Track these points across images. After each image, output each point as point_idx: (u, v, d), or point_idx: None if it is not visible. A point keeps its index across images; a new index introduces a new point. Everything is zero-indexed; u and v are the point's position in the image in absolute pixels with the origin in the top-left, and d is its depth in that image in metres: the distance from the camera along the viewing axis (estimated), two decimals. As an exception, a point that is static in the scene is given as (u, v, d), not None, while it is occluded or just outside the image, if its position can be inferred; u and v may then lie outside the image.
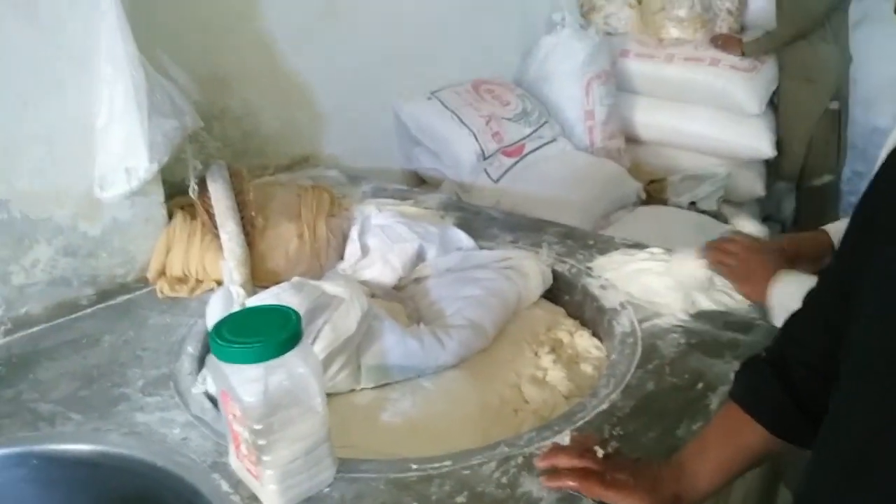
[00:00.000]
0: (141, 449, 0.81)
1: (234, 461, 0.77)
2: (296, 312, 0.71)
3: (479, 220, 1.46)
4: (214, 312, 1.01)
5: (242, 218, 1.24)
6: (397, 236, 1.25)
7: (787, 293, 0.92)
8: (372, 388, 0.98)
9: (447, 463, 0.77)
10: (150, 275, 1.18)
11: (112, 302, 1.13)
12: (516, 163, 2.10)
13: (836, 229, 1.09)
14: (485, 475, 0.75)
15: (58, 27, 1.00)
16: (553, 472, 0.73)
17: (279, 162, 1.74)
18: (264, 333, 0.68)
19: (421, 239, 1.25)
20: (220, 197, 1.22)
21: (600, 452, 0.75)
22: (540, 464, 0.75)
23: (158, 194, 1.19)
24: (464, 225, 1.38)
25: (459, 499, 0.72)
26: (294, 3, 1.72)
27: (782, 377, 0.68)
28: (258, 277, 1.17)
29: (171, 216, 1.23)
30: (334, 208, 1.38)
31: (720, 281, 1.12)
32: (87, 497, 0.82)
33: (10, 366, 0.97)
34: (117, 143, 1.03)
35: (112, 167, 1.04)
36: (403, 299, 1.17)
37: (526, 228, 1.42)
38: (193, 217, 1.24)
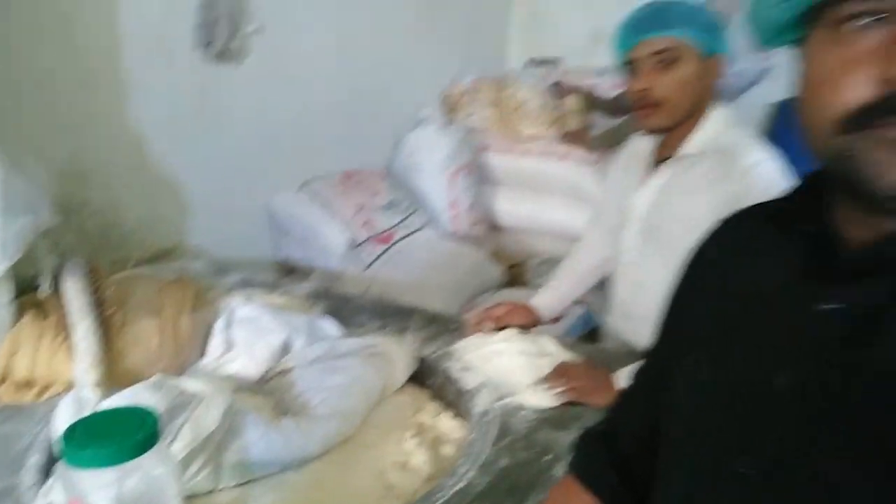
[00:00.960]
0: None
1: (81, 574, 0.73)
2: (153, 412, 0.72)
3: (347, 308, 1.51)
4: (63, 418, 0.98)
5: (100, 315, 1.21)
6: (263, 328, 1.27)
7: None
8: (233, 487, 0.97)
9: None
10: (-7, 379, 1.11)
11: (-56, 411, 1.05)
12: (386, 250, 2.19)
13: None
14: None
15: None
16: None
17: (142, 254, 1.70)
18: (119, 435, 0.68)
19: (288, 330, 1.28)
20: (74, 294, 1.19)
21: None
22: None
23: (4, 294, 1.13)
24: (333, 313, 1.43)
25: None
26: (163, 98, 1.75)
27: (613, 450, 0.73)
28: (116, 377, 1.14)
29: (18, 318, 1.17)
30: (199, 302, 1.37)
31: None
32: None
33: None
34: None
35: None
36: (269, 392, 1.18)
37: (393, 315, 1.49)
38: (45, 316, 1.19)
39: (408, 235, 2.26)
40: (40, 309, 1.19)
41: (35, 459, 0.96)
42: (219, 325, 1.28)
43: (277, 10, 2.06)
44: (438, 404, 1.26)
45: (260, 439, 0.97)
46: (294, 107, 2.19)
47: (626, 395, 0.78)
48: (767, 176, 1.18)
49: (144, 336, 1.23)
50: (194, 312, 1.33)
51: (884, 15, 0.44)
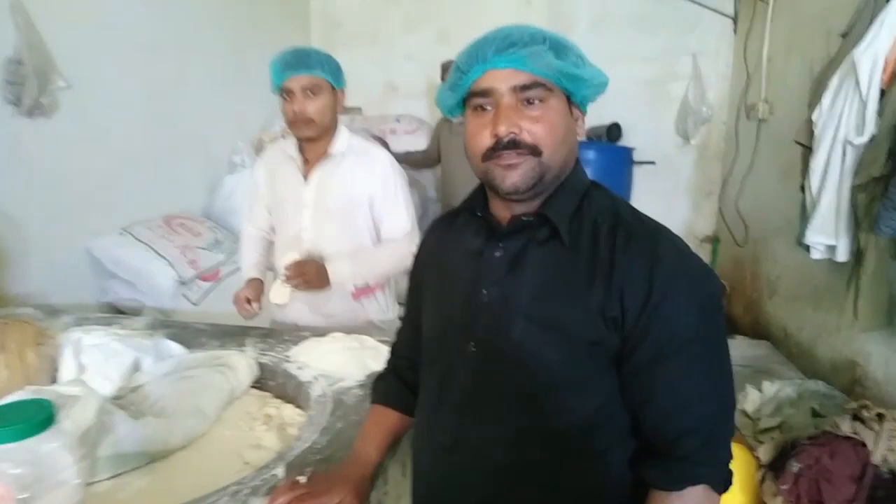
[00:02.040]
0: None
1: (-13, 548, 0.86)
2: (48, 401, 0.88)
3: (187, 332, 1.67)
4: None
5: (-57, 354, 1.26)
6: (113, 351, 1.40)
7: None
8: (108, 479, 1.11)
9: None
10: None
11: None
12: (214, 286, 2.33)
13: None
14: (221, 505, 0.98)
15: None
16: None
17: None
18: (24, 417, 0.84)
19: (136, 351, 1.43)
20: (-85, 337, 1.24)
21: (302, 479, 1.00)
22: None
23: None
24: (174, 338, 1.58)
25: (203, 524, 0.94)
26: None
27: (399, 376, 1.13)
28: (-34, 409, 1.21)
29: None
30: (40, 337, 1.46)
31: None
32: None
33: None
34: None
35: None
36: (127, 405, 1.32)
37: (231, 334, 1.68)
38: None
39: (235, 272, 2.42)
40: None
41: None
42: (67, 354, 1.38)
43: (85, 66, 2.16)
44: (281, 400, 1.47)
45: (129, 434, 1.13)
46: (108, 156, 2.28)
47: (400, 328, 1.17)
48: (391, 163, 1.78)
49: (-9, 371, 1.30)
50: (38, 346, 1.42)
51: (489, 105, 0.87)
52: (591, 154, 3.50)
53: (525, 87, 0.84)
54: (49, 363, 1.41)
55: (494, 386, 0.90)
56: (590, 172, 3.48)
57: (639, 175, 3.78)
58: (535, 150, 0.85)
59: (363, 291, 1.84)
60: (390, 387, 1.13)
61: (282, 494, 0.95)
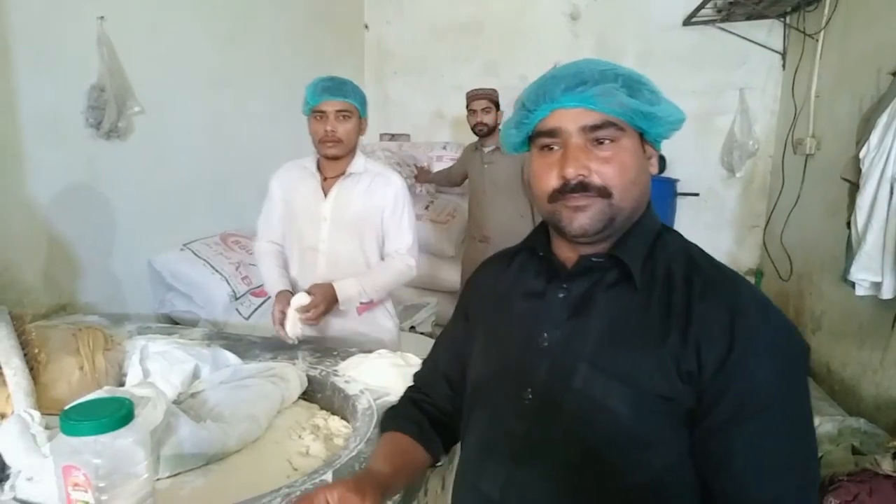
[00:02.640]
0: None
1: (66, 532, 0.95)
2: (128, 399, 0.97)
3: (241, 344, 1.77)
4: (8, 438, 1.16)
5: (26, 355, 1.38)
6: (175, 359, 1.50)
7: None
8: (168, 477, 1.20)
9: (244, 504, 1.06)
10: (-72, 414, 1.25)
11: None
12: (264, 302, 2.44)
13: None
14: (274, 505, 1.05)
15: None
16: None
17: (36, 311, 1.84)
18: (107, 413, 0.93)
19: (196, 360, 1.52)
20: (3, 337, 1.37)
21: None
22: None
23: (-59, 338, 1.29)
24: (229, 349, 1.68)
25: (258, 521, 1.01)
26: (56, 172, 1.94)
27: (416, 405, 1.08)
28: (43, 406, 1.32)
29: (-51, 359, 1.32)
30: (108, 343, 1.57)
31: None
32: None
33: None
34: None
35: None
36: (186, 409, 1.41)
37: (282, 347, 1.77)
38: (-27, 358, 1.34)
39: (284, 288, 2.52)
40: (-30, 351, 1.35)
41: (-11, 470, 1.13)
42: (134, 359, 1.49)
43: (157, 94, 2.32)
44: (328, 412, 1.55)
45: (190, 435, 1.22)
46: (173, 176, 2.43)
47: (421, 376, 1.13)
48: (402, 184, 1.94)
49: (66, 371, 1.42)
50: (106, 351, 1.53)
51: (556, 145, 0.85)
52: (634, 185, 3.53)
53: (595, 128, 0.81)
54: (116, 367, 1.53)
55: (552, 438, 0.83)
56: None
57: (682, 207, 3.78)
58: (604, 192, 0.81)
59: (367, 306, 1.97)
60: (404, 413, 1.07)
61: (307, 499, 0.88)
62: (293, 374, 1.55)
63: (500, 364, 0.92)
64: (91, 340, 1.54)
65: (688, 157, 3.71)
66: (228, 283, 2.34)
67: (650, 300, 0.82)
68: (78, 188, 2.03)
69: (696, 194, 3.77)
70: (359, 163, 1.92)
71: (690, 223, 3.74)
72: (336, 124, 1.82)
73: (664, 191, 3.62)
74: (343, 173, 1.90)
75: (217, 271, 2.35)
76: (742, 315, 0.77)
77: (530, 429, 0.85)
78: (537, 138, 0.86)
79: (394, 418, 1.07)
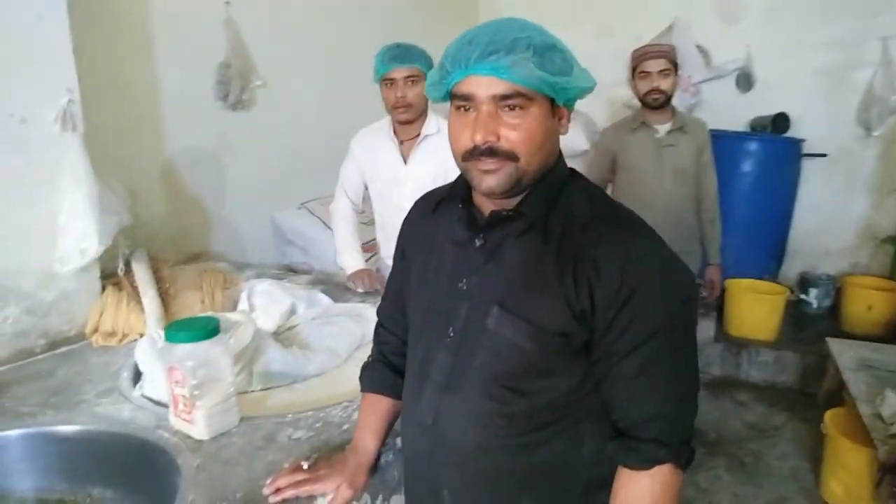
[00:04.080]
0: (104, 423, 1.23)
1: (172, 418, 1.20)
2: (216, 318, 1.20)
3: (337, 289, 2.00)
4: (142, 352, 1.45)
5: (159, 289, 1.69)
6: (276, 297, 1.76)
7: None
8: (260, 390, 1.44)
9: (309, 412, 1.26)
10: (88, 331, 1.59)
11: (58, 350, 1.53)
12: (371, 257, 2.67)
13: None
14: (333, 413, 1.25)
15: (36, 156, 1.47)
16: (275, 491, 1.02)
17: (178, 257, 2.19)
18: (198, 327, 1.16)
19: (293, 298, 1.77)
20: (142, 273, 1.68)
21: (305, 464, 1.07)
22: (265, 491, 1.01)
23: (96, 272, 1.63)
24: (326, 293, 1.91)
25: (317, 424, 1.22)
26: (191, 139, 2.27)
27: (386, 363, 1.16)
28: (171, 330, 1.62)
29: (103, 289, 1.66)
30: (227, 283, 1.86)
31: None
32: (71, 461, 1.21)
33: (-11, 389, 1.35)
34: (75, 232, 1.48)
35: (70, 249, 1.49)
36: (281, 339, 1.66)
37: (370, 294, 1.98)
38: (120, 289, 1.67)
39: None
40: (118, 283, 1.68)
41: (126, 374, 1.43)
42: (243, 296, 1.76)
43: (277, 69, 2.60)
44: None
45: (277, 357, 1.45)
46: (291, 142, 2.71)
47: (385, 295, 1.20)
48: None
49: (190, 303, 1.71)
50: (224, 289, 1.82)
51: (470, 107, 0.87)
52: (753, 146, 3.36)
53: (505, 97, 0.85)
54: (231, 302, 1.81)
55: (471, 370, 0.94)
56: (751, 165, 3.46)
57: (809, 169, 3.54)
58: (512, 156, 0.86)
59: None
60: (379, 373, 1.17)
61: (283, 476, 1.04)
62: (374, 315, 1.75)
63: (430, 303, 1.01)
64: (212, 280, 1.84)
65: (816, 115, 3.46)
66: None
67: (550, 247, 0.89)
68: (209, 153, 2.35)
69: (824, 155, 3.50)
70: (432, 124, 2.03)
71: (819, 187, 3.50)
72: (405, 89, 1.93)
73: (787, 151, 3.42)
74: (418, 135, 2.03)
75: (329, 228, 2.61)
76: (631, 258, 0.86)
77: (454, 362, 0.96)
78: (454, 98, 0.90)
79: (370, 380, 1.18)
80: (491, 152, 0.86)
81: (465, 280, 0.96)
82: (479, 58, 0.84)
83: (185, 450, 1.13)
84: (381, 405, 1.15)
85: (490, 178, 0.87)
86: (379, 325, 1.22)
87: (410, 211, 1.14)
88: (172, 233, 2.21)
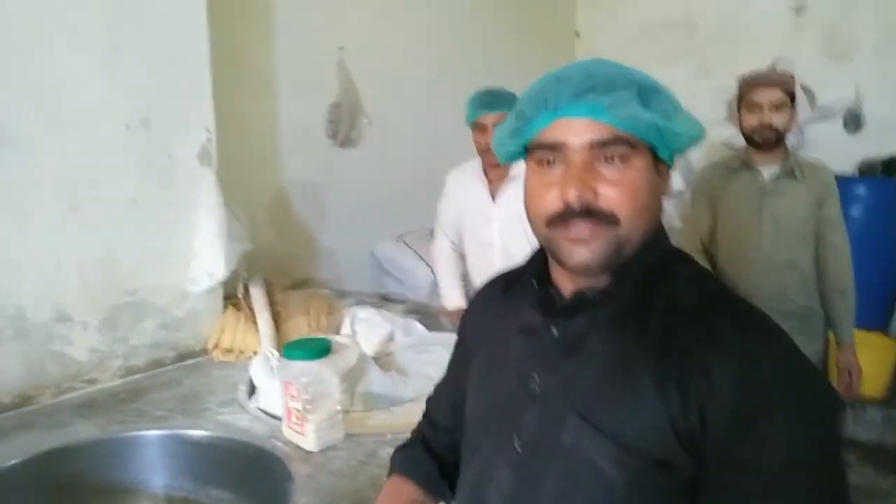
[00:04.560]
0: (225, 431, 1.36)
1: (285, 430, 1.32)
2: (328, 339, 1.31)
3: (432, 319, 2.09)
4: (257, 369, 1.58)
5: (271, 311, 1.84)
6: (376, 324, 1.87)
7: None
8: (361, 411, 1.54)
9: (407, 434, 1.34)
10: (209, 346, 1.76)
11: (185, 363, 1.70)
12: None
13: None
14: (430, 436, 1.32)
15: (177, 188, 1.66)
16: None
17: (285, 283, 2.36)
18: (312, 347, 1.27)
19: (391, 326, 1.87)
20: (258, 296, 1.84)
21: None
22: None
23: (220, 293, 1.80)
24: (421, 321, 2.01)
25: (416, 445, 1.29)
26: (303, 173, 2.45)
27: (426, 447, 0.96)
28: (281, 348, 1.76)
29: (224, 309, 1.83)
30: (331, 309, 1.99)
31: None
32: (196, 463, 1.34)
33: (128, 393, 1.52)
34: (206, 256, 1.66)
35: (201, 272, 1.66)
36: (380, 365, 1.76)
37: (464, 325, 2.06)
38: (238, 310, 1.84)
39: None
40: (236, 304, 1.84)
41: (242, 387, 1.57)
42: (346, 322, 1.89)
43: (382, 108, 2.77)
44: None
45: (379, 379, 1.55)
46: (393, 177, 2.87)
47: (439, 385, 1.02)
48: None
49: (298, 326, 1.85)
50: (328, 315, 1.95)
51: (557, 161, 0.71)
52: (861, 190, 3.22)
53: (604, 144, 0.69)
54: (334, 327, 1.93)
55: (539, 496, 0.73)
56: (859, 210, 3.26)
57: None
58: (611, 219, 0.69)
59: None
60: (413, 455, 0.97)
61: None
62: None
63: (491, 406, 0.82)
64: (318, 305, 1.98)
65: (934, 157, 3.28)
66: (432, 272, 2.70)
67: (648, 344, 0.69)
68: (316, 186, 2.53)
69: (943, 200, 3.30)
70: (520, 165, 2.11)
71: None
72: (489, 137, 1.99)
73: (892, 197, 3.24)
74: (506, 176, 2.12)
75: (423, 260, 2.73)
76: (756, 366, 0.65)
77: (518, 483, 0.75)
78: (535, 150, 0.73)
79: (402, 461, 0.97)
80: (587, 213, 0.69)
81: (536, 378, 0.76)
82: (573, 96, 0.69)
83: (297, 459, 1.24)
84: (404, 492, 0.93)
85: (583, 250, 0.70)
86: (425, 417, 1.04)
87: (478, 294, 0.98)
88: (280, 259, 2.38)
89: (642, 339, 0.70)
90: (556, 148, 0.71)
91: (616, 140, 0.69)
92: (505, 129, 0.78)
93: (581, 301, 0.75)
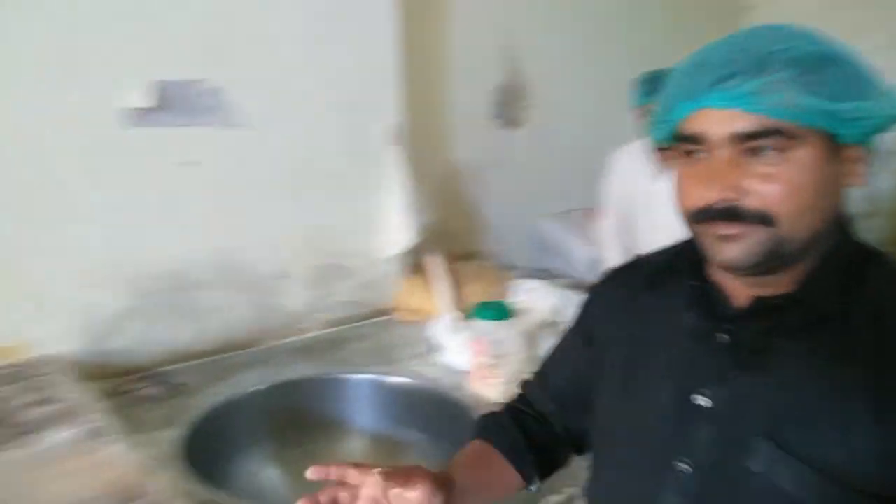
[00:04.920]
0: (419, 380, 1.54)
1: (472, 382, 1.47)
2: (508, 304, 1.44)
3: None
4: (441, 328, 1.75)
5: (451, 278, 2.02)
6: (542, 295, 1.98)
7: None
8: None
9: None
10: (396, 307, 1.96)
11: (376, 319, 1.92)
12: (620, 268, 2.80)
13: None
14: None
15: (372, 164, 1.87)
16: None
17: (457, 254, 2.54)
18: (502, 309, 1.41)
19: (555, 297, 1.97)
20: (437, 265, 2.02)
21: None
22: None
23: (406, 260, 2.00)
24: (577, 293, 2.09)
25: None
26: (472, 152, 2.61)
27: (515, 419, 0.86)
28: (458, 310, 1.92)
29: (409, 274, 2.02)
30: (501, 278, 2.13)
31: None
32: (394, 407, 1.54)
33: (331, 342, 1.76)
34: (396, 226, 1.86)
35: (391, 240, 1.86)
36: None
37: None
38: (420, 275, 2.03)
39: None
40: (419, 270, 2.04)
41: (426, 344, 1.75)
42: (514, 291, 2.01)
43: (546, 91, 2.85)
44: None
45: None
46: (553, 158, 2.94)
47: (532, 386, 0.92)
48: None
49: (474, 293, 2.00)
50: (498, 284, 2.09)
51: (703, 152, 0.62)
52: None
53: (751, 136, 0.59)
54: (504, 296, 2.07)
55: None
56: None
57: None
58: (764, 219, 0.60)
59: None
60: (499, 422, 0.87)
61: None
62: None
63: (642, 420, 0.73)
64: (489, 276, 2.13)
65: None
66: (591, 250, 2.76)
67: (854, 357, 0.61)
68: (482, 165, 2.67)
69: None
70: None
71: None
72: None
73: None
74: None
75: (583, 239, 2.80)
76: None
77: None
78: (680, 141, 0.66)
79: (486, 427, 0.88)
80: (731, 214, 0.61)
81: (705, 392, 0.67)
82: (713, 84, 0.60)
83: (483, 408, 1.38)
84: (488, 455, 0.84)
85: (731, 247, 0.62)
86: (519, 400, 0.92)
87: (605, 283, 0.87)
88: (450, 233, 2.56)
89: (848, 352, 0.61)
90: (697, 140, 0.63)
91: (766, 131, 0.59)
92: (656, 113, 0.70)
93: (760, 306, 0.66)
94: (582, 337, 0.85)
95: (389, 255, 1.90)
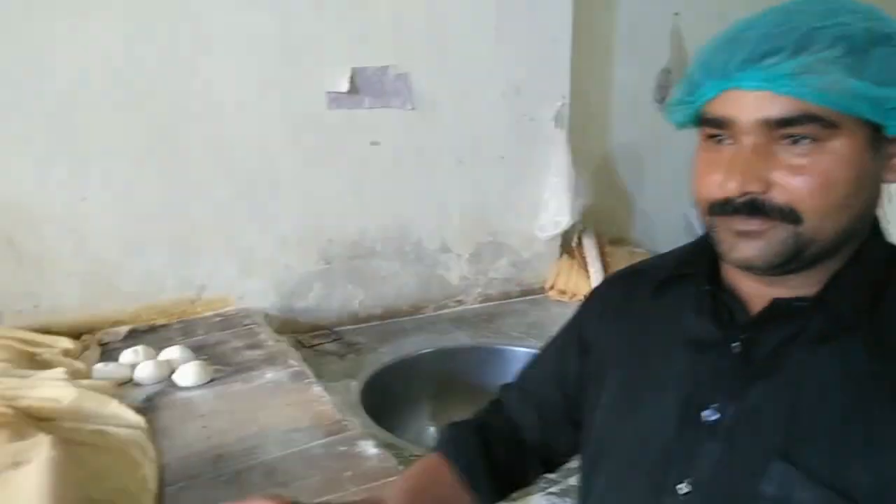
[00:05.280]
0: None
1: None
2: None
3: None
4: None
5: (601, 260, 2.05)
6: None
7: None
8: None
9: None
10: (547, 286, 2.03)
11: (528, 297, 2.00)
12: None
13: None
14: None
15: (536, 147, 1.93)
16: None
17: (607, 239, 2.55)
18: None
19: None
20: (590, 247, 2.06)
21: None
22: None
23: (559, 241, 2.06)
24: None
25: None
26: (628, 136, 2.59)
27: (482, 436, 0.78)
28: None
29: (560, 255, 2.08)
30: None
31: None
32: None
33: (486, 315, 1.87)
34: (554, 208, 1.92)
35: (548, 220, 1.93)
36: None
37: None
38: (572, 257, 2.08)
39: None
40: (570, 252, 2.09)
41: (579, 325, 1.80)
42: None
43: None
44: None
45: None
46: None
47: (527, 376, 0.85)
48: None
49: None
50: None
51: (728, 138, 0.56)
52: None
53: (785, 122, 0.53)
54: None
55: None
56: None
57: None
58: (789, 216, 0.54)
59: None
60: (460, 437, 0.79)
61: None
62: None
63: (640, 436, 0.65)
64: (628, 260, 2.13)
65: None
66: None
67: (883, 368, 0.54)
68: (638, 149, 2.64)
69: None
70: None
71: None
72: None
73: None
74: None
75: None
76: None
77: None
78: (703, 124, 0.60)
79: (446, 441, 0.80)
80: (752, 208, 0.55)
81: (714, 407, 0.60)
82: (746, 61, 0.54)
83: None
84: (438, 474, 0.76)
85: (749, 245, 0.56)
86: (503, 399, 0.85)
87: (606, 287, 0.82)
88: (604, 216, 2.57)
89: (878, 364, 0.54)
90: (723, 124, 0.57)
91: (802, 117, 0.52)
92: (676, 93, 0.64)
93: (778, 310, 0.59)
94: (576, 345, 0.78)
95: (546, 235, 1.97)
